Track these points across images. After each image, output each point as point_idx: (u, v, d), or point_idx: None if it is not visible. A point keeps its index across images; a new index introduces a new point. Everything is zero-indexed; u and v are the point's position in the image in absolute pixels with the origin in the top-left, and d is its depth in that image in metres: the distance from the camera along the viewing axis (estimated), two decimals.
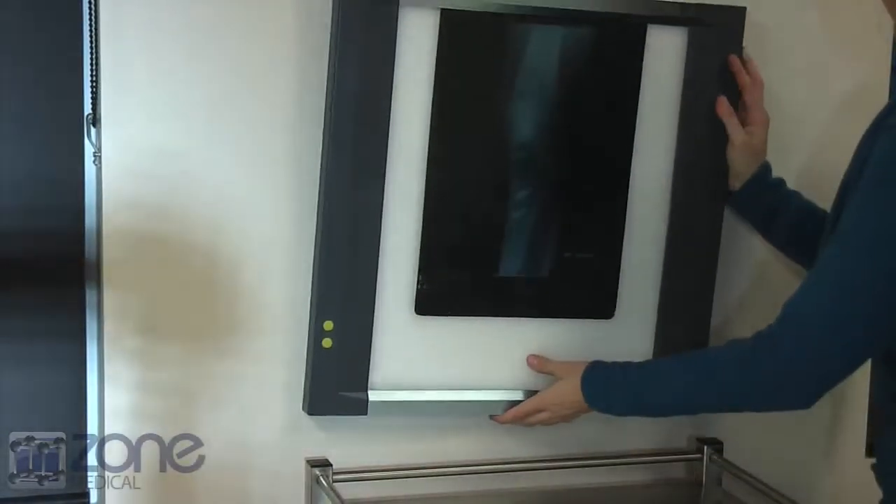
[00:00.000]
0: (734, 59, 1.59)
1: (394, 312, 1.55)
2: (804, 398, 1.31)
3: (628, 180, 1.61)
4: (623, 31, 1.58)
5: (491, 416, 1.62)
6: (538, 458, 1.68)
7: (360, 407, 1.54)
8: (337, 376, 1.53)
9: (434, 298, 1.56)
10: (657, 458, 1.75)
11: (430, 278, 1.56)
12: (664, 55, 1.60)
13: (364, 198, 1.50)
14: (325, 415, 1.56)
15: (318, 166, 1.53)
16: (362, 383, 1.54)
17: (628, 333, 1.65)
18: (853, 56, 1.63)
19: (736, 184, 1.63)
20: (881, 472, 1.38)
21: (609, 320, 1.64)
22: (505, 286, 1.61)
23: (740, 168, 1.62)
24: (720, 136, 1.61)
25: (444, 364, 1.59)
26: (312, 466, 1.57)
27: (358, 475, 1.59)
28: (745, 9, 1.60)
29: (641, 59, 1.59)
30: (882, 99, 1.49)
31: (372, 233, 1.51)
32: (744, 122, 1.60)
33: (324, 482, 1.55)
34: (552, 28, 1.55)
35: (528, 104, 1.57)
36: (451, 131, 1.54)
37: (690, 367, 1.43)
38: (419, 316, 1.57)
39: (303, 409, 1.56)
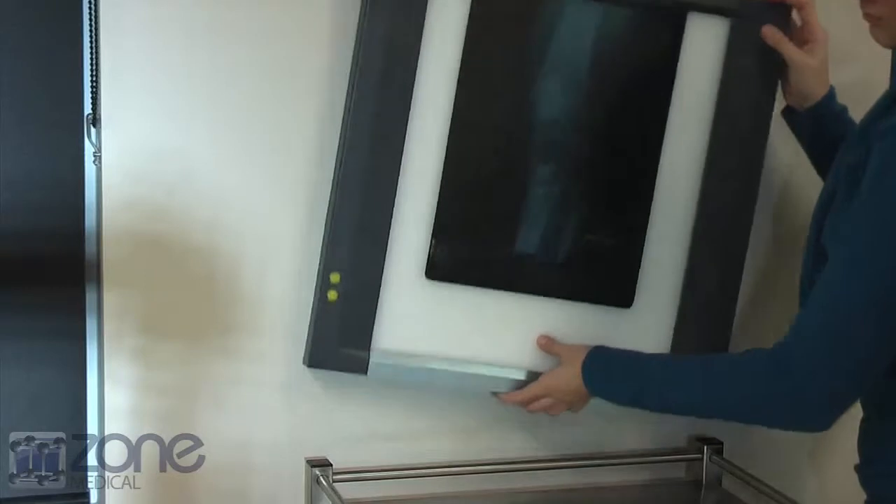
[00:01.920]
0: None
1: (403, 273, 1.52)
2: (822, 419, 1.29)
3: (657, 168, 1.57)
4: (661, 16, 1.55)
5: (494, 393, 1.58)
6: (538, 458, 1.68)
7: (360, 365, 1.51)
8: (339, 331, 1.50)
9: (446, 264, 1.53)
10: (657, 458, 1.75)
11: (443, 243, 1.52)
12: (703, 45, 1.56)
13: (383, 152, 1.48)
14: (324, 368, 1.52)
15: (319, 166, 1.53)
16: (365, 341, 1.51)
17: (645, 326, 1.59)
18: (852, 56, 1.63)
19: (804, 104, 1.56)
20: (863, 474, 1.38)
21: (627, 310, 1.59)
22: (520, 261, 1.57)
23: (806, 90, 1.54)
24: (755, 130, 1.58)
25: (451, 333, 1.55)
26: (312, 466, 1.57)
27: (358, 475, 1.59)
28: (790, 7, 1.55)
29: (679, 47, 1.55)
30: (861, 94, 1.49)
31: (388, 189, 1.49)
32: (801, 41, 1.54)
33: (324, 482, 1.55)
34: (588, 5, 1.52)
35: (558, 81, 1.54)
36: (477, 99, 1.51)
37: (707, 370, 1.38)
38: (429, 281, 1.53)
39: (303, 362, 1.53)
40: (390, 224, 1.50)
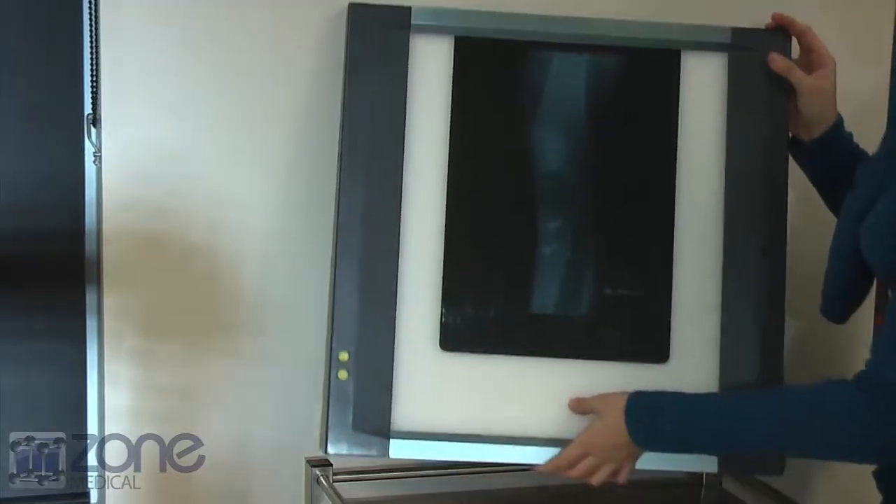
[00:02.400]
0: (776, 15, 1.49)
1: (416, 346, 1.45)
2: None
3: (672, 212, 1.50)
4: (654, 59, 1.51)
5: (529, 466, 1.48)
6: None
7: (381, 447, 1.43)
8: (354, 411, 1.43)
9: (459, 333, 1.46)
10: None
11: (454, 311, 1.46)
12: (703, 82, 1.51)
13: (378, 226, 1.44)
14: (343, 454, 1.45)
15: (318, 165, 1.53)
16: (383, 423, 1.43)
17: (688, 379, 1.47)
18: (852, 57, 1.63)
19: (813, 134, 1.49)
20: (881, 479, 1.37)
21: (663, 365, 1.49)
22: (540, 322, 1.49)
23: (815, 117, 1.47)
24: (773, 158, 1.52)
25: (474, 407, 1.46)
26: (312, 466, 1.57)
27: (358, 475, 1.59)
28: (789, 34, 1.50)
29: (678, 88, 1.51)
30: (882, 101, 1.48)
31: (389, 261, 1.44)
32: (809, 68, 1.48)
33: (324, 482, 1.55)
34: (574, 56, 1.49)
35: (554, 134, 1.50)
36: (471, 160, 1.47)
37: (782, 407, 1.25)
38: (445, 352, 1.46)
39: (319, 447, 1.49)
40: (396, 296, 1.44)
